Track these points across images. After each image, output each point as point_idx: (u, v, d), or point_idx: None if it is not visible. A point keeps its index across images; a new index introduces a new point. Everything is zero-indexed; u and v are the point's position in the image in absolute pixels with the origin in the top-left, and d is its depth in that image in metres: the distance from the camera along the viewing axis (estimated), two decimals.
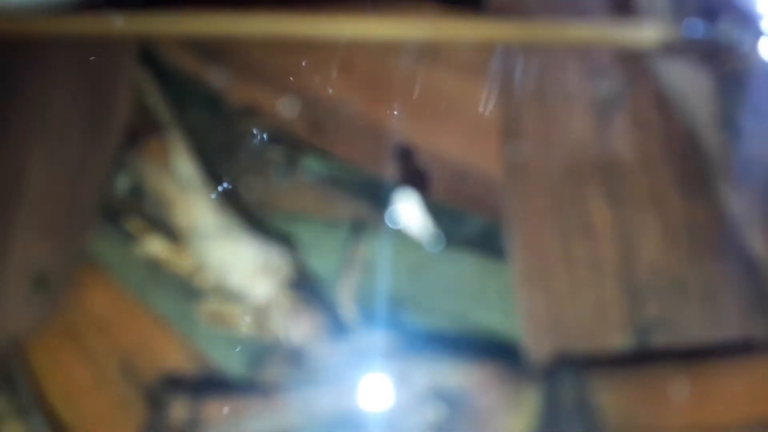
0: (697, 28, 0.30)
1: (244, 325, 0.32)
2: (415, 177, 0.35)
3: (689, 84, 0.32)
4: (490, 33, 0.33)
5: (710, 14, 0.29)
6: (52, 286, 0.32)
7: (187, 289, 0.35)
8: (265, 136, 0.39)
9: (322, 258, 0.37)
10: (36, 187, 0.32)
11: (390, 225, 0.35)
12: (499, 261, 0.35)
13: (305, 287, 0.33)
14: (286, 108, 0.36)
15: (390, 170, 0.36)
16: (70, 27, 0.31)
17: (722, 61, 0.29)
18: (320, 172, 0.39)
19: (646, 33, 0.30)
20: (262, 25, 0.32)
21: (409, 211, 0.33)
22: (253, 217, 0.38)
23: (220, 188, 0.38)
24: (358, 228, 0.37)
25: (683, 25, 0.30)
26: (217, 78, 0.38)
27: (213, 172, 0.40)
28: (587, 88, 0.33)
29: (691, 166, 0.32)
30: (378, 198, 0.41)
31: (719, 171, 0.31)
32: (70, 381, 0.34)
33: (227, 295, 0.33)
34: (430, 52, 0.35)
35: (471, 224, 0.40)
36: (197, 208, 0.34)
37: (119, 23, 0.30)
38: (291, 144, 0.39)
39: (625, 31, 0.31)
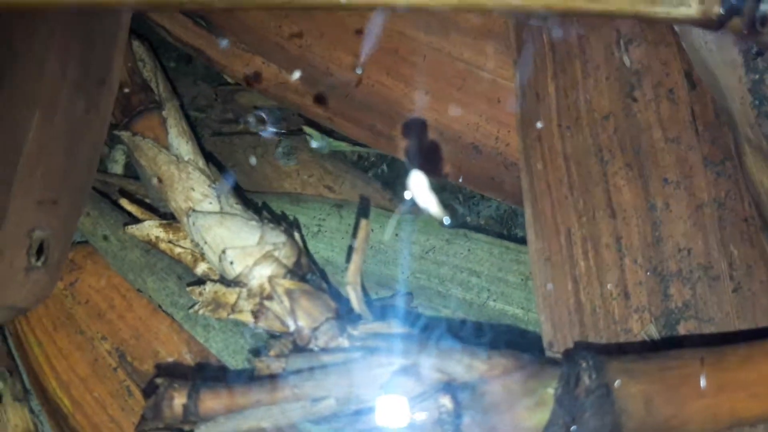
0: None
1: (243, 312, 0.31)
2: (426, 151, 0.33)
3: (719, 55, 0.29)
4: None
5: None
6: (50, 254, 0.32)
7: (184, 277, 0.33)
8: (266, 112, 0.38)
9: (326, 241, 0.35)
10: (32, 153, 0.31)
11: (400, 204, 0.34)
12: (518, 246, 0.34)
13: (308, 272, 0.31)
14: (288, 79, 0.35)
15: (400, 145, 0.33)
16: None
17: (754, 30, 0.27)
18: (324, 149, 0.37)
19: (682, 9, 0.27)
20: None
21: (419, 189, 0.31)
22: (252, 199, 0.36)
23: (219, 169, 0.36)
24: (366, 210, 0.35)
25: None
26: (217, 48, 0.36)
27: (212, 150, 0.39)
28: (614, 58, 0.31)
29: (720, 143, 0.30)
30: (387, 177, 0.40)
31: (750, 148, 0.29)
32: (67, 369, 0.33)
33: (225, 281, 0.31)
34: (444, 20, 0.33)
35: (488, 207, 0.39)
36: (195, 188, 0.32)
37: None
38: (294, 120, 0.37)
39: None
